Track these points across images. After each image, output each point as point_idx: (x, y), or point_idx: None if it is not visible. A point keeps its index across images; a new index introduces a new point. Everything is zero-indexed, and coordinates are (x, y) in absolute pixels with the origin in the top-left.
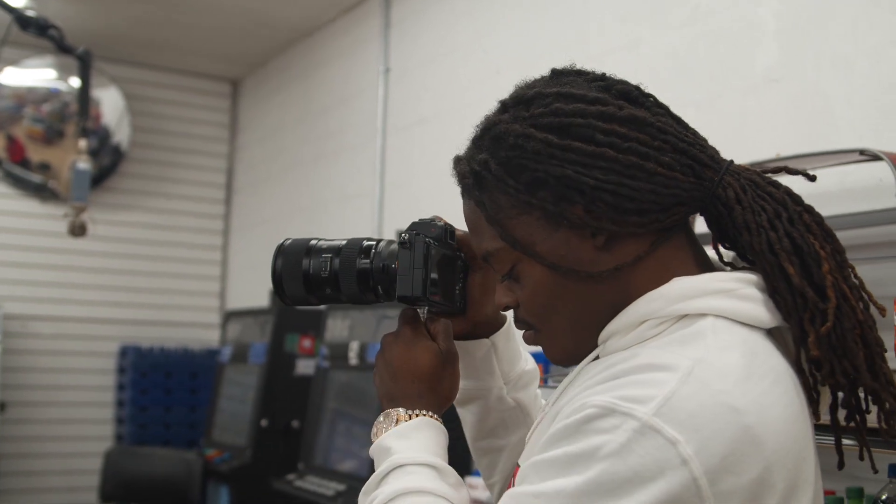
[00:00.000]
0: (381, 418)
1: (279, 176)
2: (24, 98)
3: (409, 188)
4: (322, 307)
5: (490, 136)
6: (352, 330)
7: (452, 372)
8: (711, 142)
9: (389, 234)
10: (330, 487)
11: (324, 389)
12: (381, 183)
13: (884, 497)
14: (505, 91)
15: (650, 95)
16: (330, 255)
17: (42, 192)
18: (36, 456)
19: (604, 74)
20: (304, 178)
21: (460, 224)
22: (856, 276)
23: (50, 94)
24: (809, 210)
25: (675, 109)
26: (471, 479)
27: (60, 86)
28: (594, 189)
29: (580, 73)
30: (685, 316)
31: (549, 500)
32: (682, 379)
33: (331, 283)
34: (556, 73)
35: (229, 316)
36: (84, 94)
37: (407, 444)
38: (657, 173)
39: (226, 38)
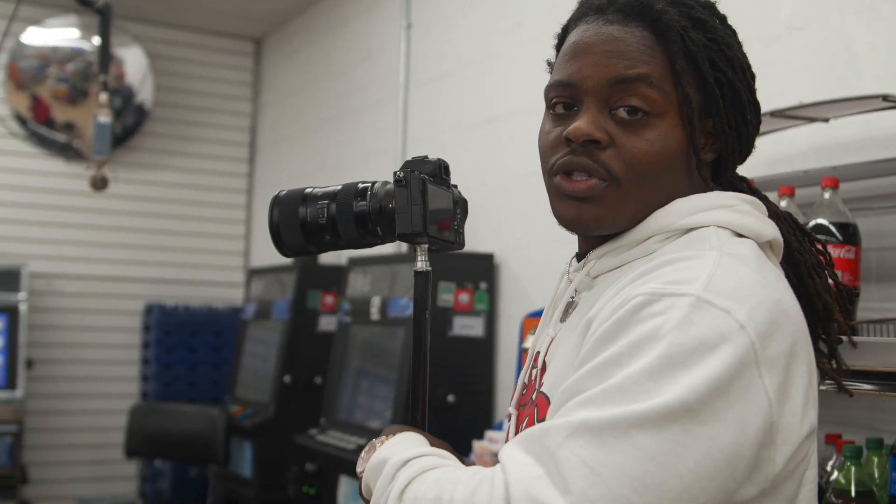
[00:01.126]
0: (363, 455)
1: (302, 134)
2: (48, 58)
3: (432, 143)
4: (344, 262)
5: (690, 15)
6: (373, 285)
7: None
8: None
9: None
10: (351, 441)
11: (345, 345)
12: (403, 139)
13: None
14: (527, 44)
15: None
16: (326, 202)
17: (66, 152)
18: (63, 413)
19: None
20: (328, 136)
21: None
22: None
23: (74, 54)
24: None
25: None
26: (491, 434)
27: (84, 45)
28: (743, 123)
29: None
30: (691, 230)
31: (621, 389)
32: (715, 262)
33: (329, 229)
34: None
35: (252, 274)
36: (105, 48)
37: (399, 447)
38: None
39: None
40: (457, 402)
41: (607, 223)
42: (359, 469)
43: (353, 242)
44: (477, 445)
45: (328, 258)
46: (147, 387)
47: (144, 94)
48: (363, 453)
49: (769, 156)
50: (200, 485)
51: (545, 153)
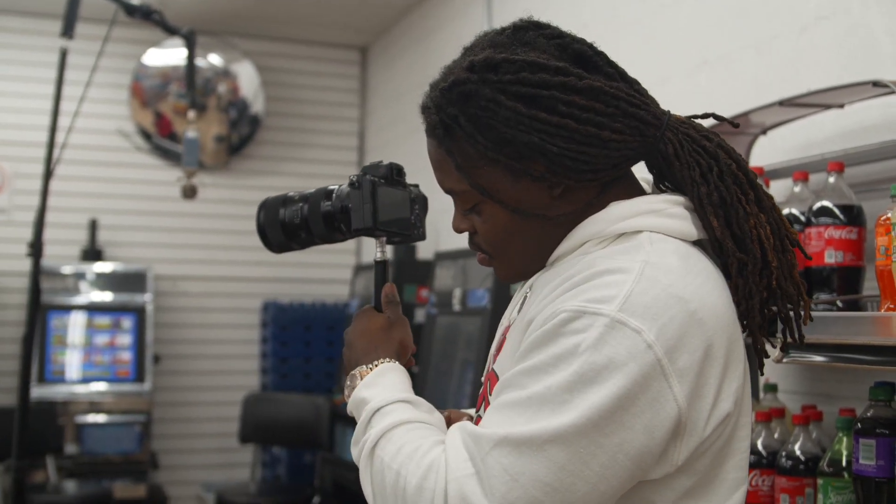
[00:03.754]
0: (347, 381)
1: (407, 136)
2: (169, 76)
3: None
4: (430, 258)
5: (459, 91)
6: (454, 279)
7: (402, 327)
8: (768, 80)
9: None
10: None
11: (432, 334)
12: None
13: (869, 414)
14: (618, 59)
15: (602, 54)
16: (300, 204)
17: None
18: (188, 404)
19: (561, 32)
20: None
21: None
22: (777, 213)
23: None
24: (738, 160)
25: (733, 53)
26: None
27: (200, 63)
28: (556, 154)
29: (539, 28)
30: (622, 234)
31: (542, 398)
32: (635, 278)
33: (304, 227)
34: (517, 29)
35: (359, 270)
36: (190, 69)
37: (376, 390)
38: (611, 140)
39: (350, 7)
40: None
41: (514, 280)
42: (345, 395)
43: (325, 238)
44: None
45: (424, 253)
46: (265, 379)
47: (257, 105)
48: (347, 381)
49: (795, 142)
50: (315, 470)
51: None
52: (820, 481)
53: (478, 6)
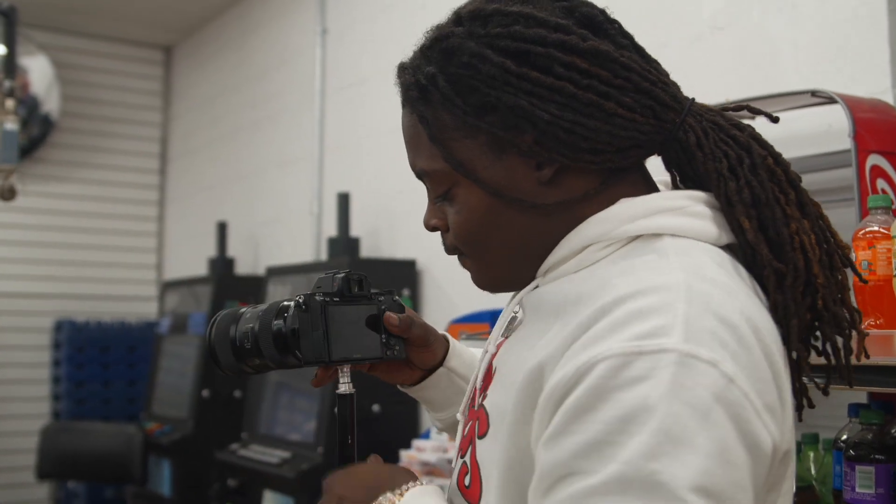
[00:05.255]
0: None
1: (216, 143)
2: None
3: (350, 150)
4: (262, 272)
5: (440, 48)
6: (293, 295)
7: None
8: None
9: (330, 198)
10: (275, 455)
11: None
12: (320, 146)
13: (843, 437)
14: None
15: (615, 22)
16: (251, 325)
17: None
18: None
19: None
20: (243, 145)
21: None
22: (825, 223)
23: None
24: (776, 155)
25: None
26: (418, 443)
27: None
28: (548, 123)
29: None
30: (637, 238)
31: (622, 479)
32: (686, 298)
33: (255, 352)
34: None
35: (167, 287)
36: (10, 52)
37: None
38: (616, 114)
39: (157, 3)
40: (382, 411)
41: (493, 288)
42: None
43: (277, 363)
44: (404, 455)
45: (244, 268)
46: (58, 406)
47: (50, 104)
48: None
49: None
50: None
51: None
52: None
53: (309, 3)
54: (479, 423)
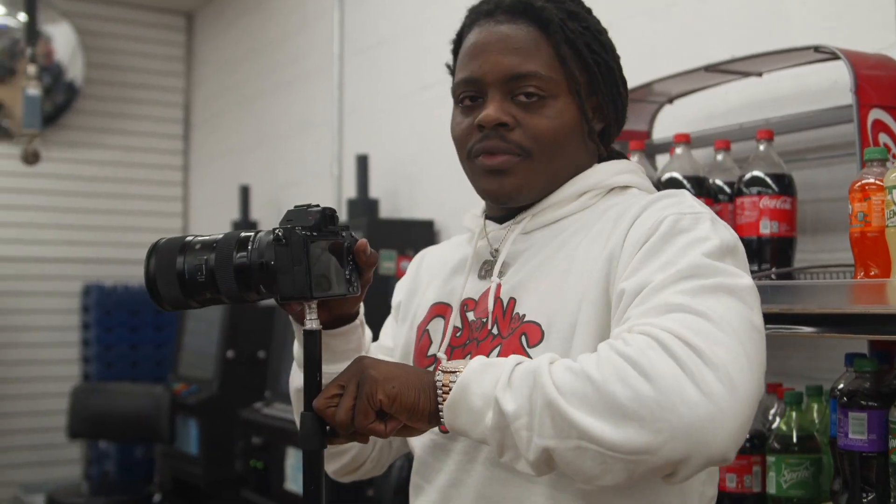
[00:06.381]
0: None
1: (238, 109)
2: None
3: (369, 112)
4: None
5: (567, 8)
6: None
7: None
8: (666, 47)
9: (349, 160)
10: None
11: (287, 318)
12: (340, 109)
13: (840, 386)
14: (462, 9)
15: None
16: (205, 255)
17: None
18: (2, 398)
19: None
20: (263, 110)
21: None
22: None
23: None
24: None
25: (625, 19)
26: None
27: (9, 22)
28: (612, 93)
29: None
30: (612, 189)
31: (698, 267)
32: (688, 195)
33: (209, 286)
34: None
35: None
36: (31, 19)
37: (488, 376)
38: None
39: None
40: None
41: (524, 192)
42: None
43: (233, 297)
44: None
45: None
46: (88, 368)
47: (74, 71)
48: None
49: (705, 111)
50: (147, 465)
51: (461, 141)
52: (771, 459)
53: None
54: (526, 335)
